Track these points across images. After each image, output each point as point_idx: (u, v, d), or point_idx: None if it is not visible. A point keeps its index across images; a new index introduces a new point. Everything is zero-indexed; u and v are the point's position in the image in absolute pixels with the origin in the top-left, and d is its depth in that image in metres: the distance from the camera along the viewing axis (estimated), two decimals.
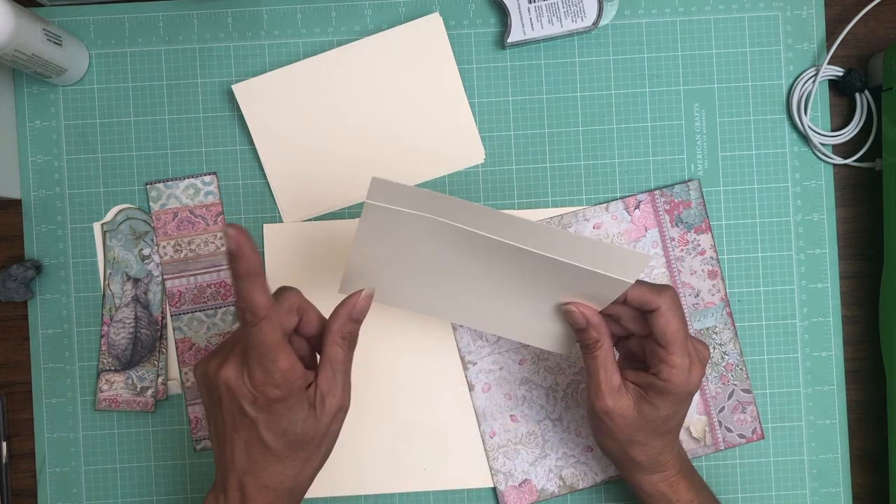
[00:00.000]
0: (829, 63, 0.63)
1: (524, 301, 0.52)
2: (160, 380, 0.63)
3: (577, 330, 0.51)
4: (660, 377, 0.49)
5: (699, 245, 0.63)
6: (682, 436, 0.63)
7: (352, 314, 0.48)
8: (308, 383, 0.47)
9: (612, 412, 0.50)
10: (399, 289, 0.53)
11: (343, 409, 0.48)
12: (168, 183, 0.63)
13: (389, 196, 0.45)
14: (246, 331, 0.44)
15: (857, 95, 0.63)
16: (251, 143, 0.64)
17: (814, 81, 0.63)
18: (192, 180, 0.63)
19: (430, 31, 0.63)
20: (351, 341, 0.48)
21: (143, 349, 0.63)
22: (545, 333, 0.55)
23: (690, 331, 0.63)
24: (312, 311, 0.50)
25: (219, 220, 0.63)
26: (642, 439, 0.51)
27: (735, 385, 0.63)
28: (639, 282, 0.50)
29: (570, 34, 0.62)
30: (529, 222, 0.46)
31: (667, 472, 0.53)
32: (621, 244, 0.55)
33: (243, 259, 0.42)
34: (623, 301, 0.50)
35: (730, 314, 0.63)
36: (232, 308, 0.63)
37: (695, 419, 0.63)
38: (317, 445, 0.48)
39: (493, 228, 0.46)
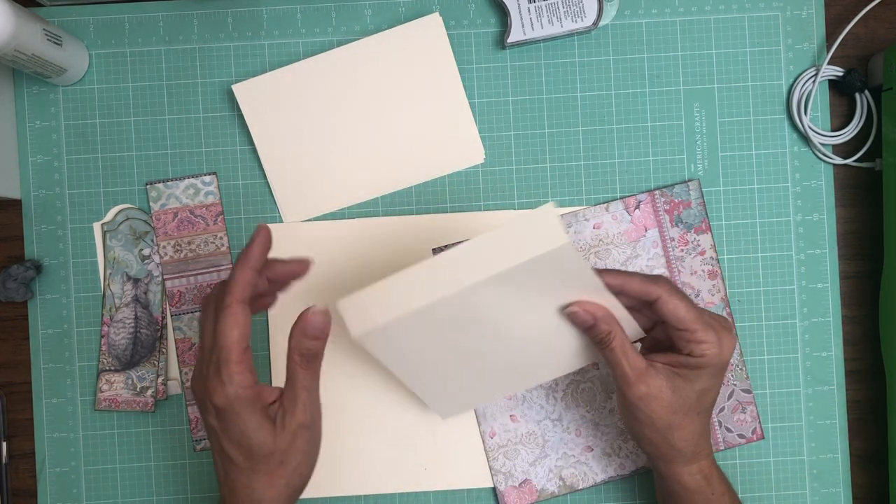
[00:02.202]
0: (829, 63, 0.63)
1: (537, 332, 0.52)
2: (160, 380, 0.63)
3: (586, 330, 0.50)
4: (693, 355, 0.49)
5: (699, 245, 0.63)
6: None
7: (305, 331, 0.47)
8: (272, 398, 0.48)
9: (646, 396, 0.49)
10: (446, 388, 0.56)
11: (304, 426, 0.47)
12: (168, 183, 0.63)
13: (364, 313, 0.46)
14: (217, 323, 0.46)
15: (857, 95, 0.63)
16: (251, 143, 0.63)
17: (814, 81, 0.63)
18: (192, 180, 0.63)
19: (430, 31, 0.63)
20: (310, 359, 0.47)
21: (143, 349, 0.63)
22: (570, 352, 0.54)
23: None
24: (279, 263, 0.51)
25: (219, 220, 0.63)
26: (681, 421, 0.51)
27: (735, 385, 0.63)
28: (633, 274, 0.50)
29: (570, 34, 0.62)
30: (454, 255, 0.45)
31: (703, 462, 0.53)
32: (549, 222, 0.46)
33: (250, 247, 0.47)
34: (623, 293, 0.50)
35: (730, 314, 0.63)
36: None
37: None
38: (279, 462, 0.47)
39: (444, 284, 0.45)
